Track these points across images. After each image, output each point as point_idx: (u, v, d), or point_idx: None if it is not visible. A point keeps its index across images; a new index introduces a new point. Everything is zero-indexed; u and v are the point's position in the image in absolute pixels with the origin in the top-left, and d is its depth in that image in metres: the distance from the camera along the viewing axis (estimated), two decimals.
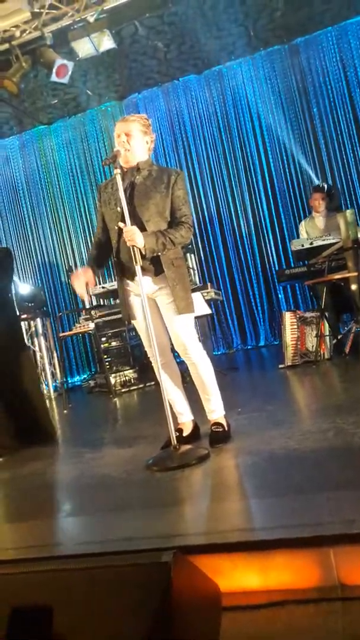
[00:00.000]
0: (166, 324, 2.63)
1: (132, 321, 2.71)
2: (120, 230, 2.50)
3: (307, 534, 1.45)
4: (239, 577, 1.45)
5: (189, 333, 2.60)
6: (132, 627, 0.95)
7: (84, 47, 5.06)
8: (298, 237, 5.93)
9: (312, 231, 5.62)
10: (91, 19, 5.05)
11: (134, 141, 2.55)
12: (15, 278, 7.78)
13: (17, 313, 4.03)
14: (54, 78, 5.16)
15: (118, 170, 2.45)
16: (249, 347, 7.19)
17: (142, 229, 2.47)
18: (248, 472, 2.15)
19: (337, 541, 1.41)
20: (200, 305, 4.65)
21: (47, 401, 6.21)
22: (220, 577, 1.45)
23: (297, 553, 1.44)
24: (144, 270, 2.51)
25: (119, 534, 1.71)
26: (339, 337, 4.75)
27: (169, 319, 2.59)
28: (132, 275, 2.57)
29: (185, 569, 1.04)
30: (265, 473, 2.09)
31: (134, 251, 2.43)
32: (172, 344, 2.72)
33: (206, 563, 1.47)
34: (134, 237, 2.40)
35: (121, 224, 2.47)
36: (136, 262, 2.43)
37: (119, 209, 2.51)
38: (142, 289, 2.47)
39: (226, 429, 2.66)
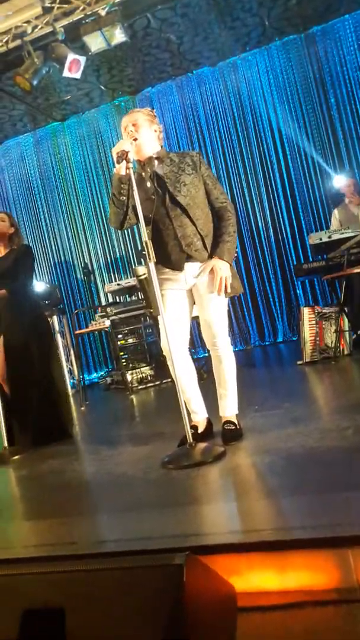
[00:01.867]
0: (202, 312, 2.60)
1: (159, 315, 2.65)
2: (165, 221, 2.50)
3: (325, 534, 1.41)
4: (256, 577, 1.42)
5: (224, 322, 2.60)
6: (144, 630, 0.93)
7: (96, 42, 5.03)
8: (321, 228, 5.85)
9: (345, 218, 5.52)
10: (103, 12, 5.02)
11: (142, 129, 2.55)
12: None
13: (42, 309, 4.02)
14: (66, 73, 5.14)
15: (130, 165, 2.42)
16: (266, 343, 7.12)
17: (185, 214, 2.49)
18: (265, 471, 2.11)
19: (356, 542, 1.37)
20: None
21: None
22: (237, 578, 1.43)
23: (315, 554, 1.41)
24: (191, 258, 2.54)
25: (135, 534, 1.69)
26: (359, 332, 4.67)
27: (208, 304, 2.55)
28: (175, 266, 2.56)
29: (199, 570, 1.02)
30: (282, 472, 2.05)
31: (147, 247, 2.41)
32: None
33: (222, 563, 1.45)
34: (227, 274, 2.52)
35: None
36: (150, 259, 2.41)
37: (153, 196, 2.51)
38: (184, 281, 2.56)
39: (238, 427, 2.62)
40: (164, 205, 2.51)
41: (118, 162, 2.42)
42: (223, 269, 2.52)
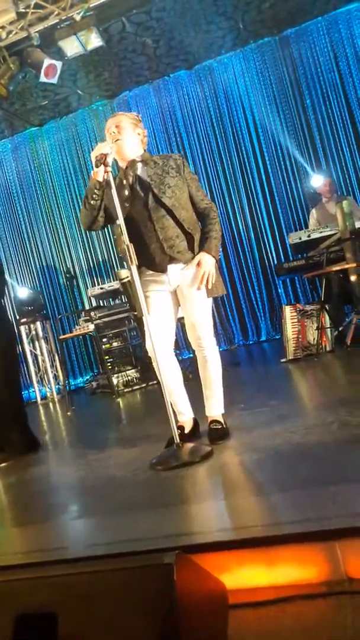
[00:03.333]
0: (187, 313, 2.61)
1: (143, 317, 2.65)
2: (147, 223, 2.52)
3: (312, 528, 1.44)
4: (246, 574, 1.44)
5: (209, 323, 2.62)
6: (137, 631, 0.94)
7: (71, 46, 5.03)
8: (300, 227, 5.91)
9: (323, 218, 5.59)
10: (77, 17, 5.02)
11: (125, 132, 2.56)
12: (13, 282, 7.79)
13: (12, 326, 3.94)
14: (42, 79, 5.13)
15: (109, 169, 2.42)
16: (250, 342, 7.17)
17: (170, 215, 2.51)
18: (253, 469, 2.13)
19: (343, 535, 1.39)
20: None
21: (50, 404, 6.23)
22: (227, 575, 1.44)
23: (303, 548, 1.43)
24: (174, 259, 2.56)
25: (126, 536, 1.69)
26: (340, 328, 4.73)
27: (193, 305, 2.57)
28: (158, 268, 2.57)
29: (189, 569, 1.03)
30: (270, 469, 2.07)
31: (129, 250, 2.41)
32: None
33: (212, 561, 1.46)
34: (212, 270, 2.54)
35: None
36: (132, 262, 2.42)
37: (126, 203, 2.52)
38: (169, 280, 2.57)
39: (224, 426, 2.64)
40: (146, 207, 2.52)
41: (96, 166, 2.41)
42: (209, 263, 2.54)
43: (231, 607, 1.32)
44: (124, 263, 6.17)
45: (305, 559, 1.42)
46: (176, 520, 1.75)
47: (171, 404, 2.48)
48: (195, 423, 2.77)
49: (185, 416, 2.73)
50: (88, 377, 7.50)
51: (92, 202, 2.48)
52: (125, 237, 2.43)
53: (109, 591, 1.00)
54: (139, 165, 2.57)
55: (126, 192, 2.53)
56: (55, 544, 1.79)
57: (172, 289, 2.63)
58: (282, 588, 1.39)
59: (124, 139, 2.54)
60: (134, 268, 2.42)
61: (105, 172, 2.41)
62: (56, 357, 6.84)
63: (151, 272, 2.60)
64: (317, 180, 5.82)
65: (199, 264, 2.55)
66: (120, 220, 2.42)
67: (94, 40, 4.99)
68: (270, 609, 1.33)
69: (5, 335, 3.56)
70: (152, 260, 2.57)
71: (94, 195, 2.47)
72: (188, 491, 2.06)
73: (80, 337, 7.08)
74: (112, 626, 0.96)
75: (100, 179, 2.43)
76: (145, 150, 2.65)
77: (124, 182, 2.55)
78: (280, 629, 1.25)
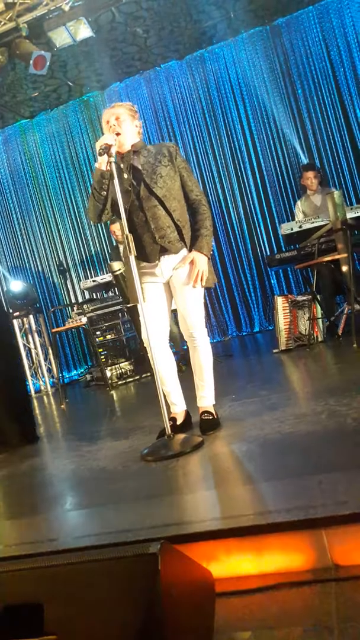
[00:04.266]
0: (179, 303, 2.63)
1: (138, 305, 2.62)
2: (138, 213, 2.52)
3: (299, 516, 1.45)
4: (234, 562, 1.46)
5: (200, 313, 2.63)
6: (123, 620, 0.95)
7: (61, 37, 4.98)
8: (293, 218, 5.91)
9: (309, 210, 5.59)
10: (66, 7, 4.96)
11: (125, 124, 2.57)
12: (6, 274, 7.76)
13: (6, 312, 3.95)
14: (32, 70, 5.09)
15: (112, 159, 2.43)
16: (243, 333, 7.19)
17: (161, 205, 2.52)
18: (242, 458, 2.15)
19: (329, 522, 1.41)
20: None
21: (44, 397, 6.24)
22: (215, 564, 1.46)
23: (290, 536, 1.45)
24: (166, 251, 2.57)
25: (115, 527, 1.71)
26: (331, 319, 4.75)
27: (185, 295, 2.58)
28: (149, 258, 2.58)
29: (174, 558, 1.04)
30: (259, 458, 2.09)
31: (127, 240, 2.42)
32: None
33: (201, 550, 1.48)
34: (205, 269, 2.56)
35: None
36: (130, 252, 2.42)
37: (129, 188, 2.53)
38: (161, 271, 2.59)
39: (215, 416, 2.66)
40: (138, 197, 2.53)
41: (100, 155, 2.42)
42: (202, 262, 2.56)
43: (218, 595, 1.34)
44: (115, 255, 6.16)
45: (292, 547, 1.44)
46: (165, 510, 1.77)
47: (164, 395, 2.49)
48: (187, 415, 2.78)
49: (178, 407, 2.74)
50: (82, 370, 7.51)
51: (102, 192, 2.50)
52: (125, 226, 2.44)
53: (95, 581, 1.01)
54: (133, 154, 2.58)
55: (125, 176, 2.55)
56: (46, 536, 1.80)
57: (165, 279, 2.65)
58: (270, 576, 1.41)
59: (124, 132, 2.55)
60: (132, 258, 2.42)
61: (109, 162, 2.41)
62: (49, 350, 6.83)
63: (145, 263, 2.61)
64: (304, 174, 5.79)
65: (192, 263, 2.56)
66: (122, 211, 2.42)
67: (84, 31, 4.94)
68: (257, 596, 1.35)
69: (3, 326, 3.58)
70: (143, 250, 2.58)
71: (103, 185, 2.48)
72: (178, 482, 2.08)
73: (74, 330, 7.07)
74: (97, 615, 0.97)
75: (104, 169, 2.44)
76: (140, 140, 2.65)
77: (121, 166, 2.56)
78: (266, 616, 1.27)
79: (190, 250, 2.60)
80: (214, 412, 2.67)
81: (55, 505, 2.21)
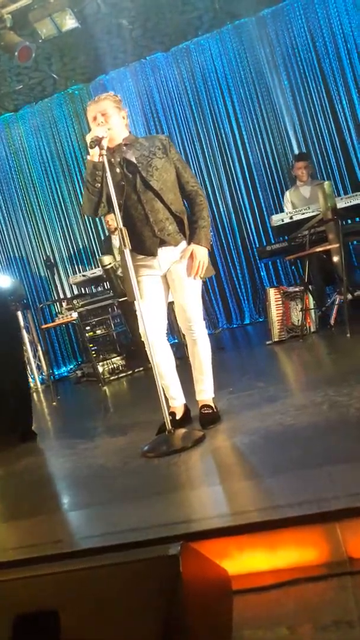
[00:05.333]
0: (176, 297, 2.61)
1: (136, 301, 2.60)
2: (137, 206, 2.49)
3: (312, 510, 1.43)
4: (247, 559, 1.43)
5: (198, 306, 2.61)
6: (143, 625, 0.91)
7: (46, 28, 4.89)
8: (281, 209, 5.89)
9: (298, 201, 5.58)
10: None
11: (112, 119, 2.53)
12: None
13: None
14: (16, 61, 4.98)
15: (104, 152, 2.38)
16: (234, 326, 7.18)
17: (158, 198, 2.49)
18: (246, 452, 2.12)
19: (342, 515, 1.39)
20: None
21: (35, 394, 6.17)
22: (228, 561, 1.43)
23: (303, 530, 1.42)
24: (164, 242, 2.54)
25: (122, 526, 1.67)
26: (323, 309, 4.75)
27: (183, 288, 2.56)
28: (148, 252, 2.55)
29: (194, 559, 1.01)
30: (263, 451, 2.07)
31: (122, 234, 2.38)
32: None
33: (212, 548, 1.45)
34: (205, 261, 2.55)
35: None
36: (125, 246, 2.38)
37: (122, 182, 2.49)
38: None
39: (215, 410, 2.64)
40: (135, 190, 2.49)
41: (91, 147, 2.38)
42: (201, 254, 2.54)
43: (234, 593, 1.31)
44: (107, 248, 6.09)
45: (305, 541, 1.42)
46: (172, 508, 1.74)
47: (163, 389, 2.46)
48: (187, 409, 2.75)
49: (177, 402, 2.71)
50: (72, 366, 7.44)
51: (96, 185, 2.46)
52: (119, 220, 2.40)
53: (113, 586, 0.97)
54: (125, 148, 2.53)
55: (117, 170, 2.51)
56: (48, 538, 1.76)
57: (162, 273, 2.61)
58: (284, 571, 1.39)
59: (113, 127, 2.51)
60: (127, 251, 2.38)
61: (100, 154, 2.37)
62: (39, 347, 6.75)
63: (142, 256, 2.57)
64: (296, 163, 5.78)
65: (191, 256, 2.54)
66: (115, 204, 2.38)
67: (69, 22, 4.85)
68: (273, 593, 1.33)
69: (6, 320, 3.52)
70: (143, 244, 2.54)
71: (96, 177, 2.44)
72: (182, 477, 2.05)
73: (63, 325, 6.99)
74: (117, 621, 0.93)
75: (97, 160, 2.40)
76: (130, 132, 2.62)
77: (112, 160, 2.51)
78: (284, 613, 1.24)
79: (189, 243, 2.57)
80: (213, 406, 2.65)
81: (55, 505, 2.17)
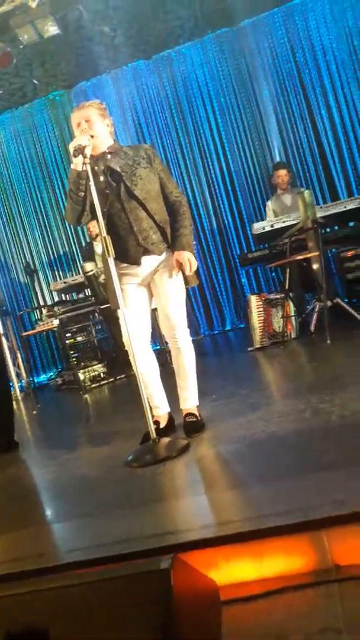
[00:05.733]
0: (160, 305, 2.61)
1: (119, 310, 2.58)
2: (120, 215, 2.49)
3: (297, 519, 1.44)
4: (234, 569, 1.43)
5: (182, 314, 2.61)
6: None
7: (27, 34, 4.87)
8: (262, 217, 5.95)
9: (279, 210, 5.63)
10: (33, 4, 4.86)
11: (96, 126, 2.52)
12: None
13: None
14: None
15: (87, 160, 2.37)
16: (216, 332, 7.20)
17: (142, 207, 2.49)
18: (231, 460, 2.13)
19: (328, 523, 1.40)
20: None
21: (14, 402, 6.08)
22: (215, 571, 1.43)
23: (289, 539, 1.43)
24: (148, 251, 2.54)
25: (108, 538, 1.66)
26: (303, 315, 4.80)
27: (167, 296, 2.56)
28: (132, 260, 2.54)
29: (184, 572, 1.01)
30: (248, 459, 2.07)
31: (105, 242, 2.37)
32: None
33: (199, 559, 1.45)
34: (191, 258, 2.55)
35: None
36: (109, 254, 2.37)
37: (106, 190, 2.49)
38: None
39: (199, 418, 2.64)
40: (118, 199, 2.49)
41: (74, 157, 2.37)
42: (186, 255, 2.55)
43: (223, 603, 1.31)
44: (89, 256, 6.06)
45: (292, 550, 1.43)
46: (157, 519, 1.73)
47: (147, 398, 2.45)
48: (171, 417, 2.75)
49: (161, 410, 2.71)
50: (52, 374, 7.36)
51: (79, 194, 2.45)
52: (102, 228, 2.39)
53: (103, 601, 0.96)
54: (109, 156, 2.53)
55: (101, 178, 2.50)
56: (31, 551, 1.73)
57: (146, 281, 2.61)
58: (271, 580, 1.39)
59: (97, 134, 2.50)
60: (111, 260, 2.38)
61: (84, 163, 2.36)
62: (18, 354, 6.67)
63: (125, 264, 2.56)
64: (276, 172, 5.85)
65: (177, 262, 2.55)
66: (98, 212, 2.37)
67: (51, 28, 4.84)
68: (260, 602, 1.33)
69: None
70: (127, 252, 2.54)
71: (80, 187, 2.43)
72: (167, 487, 2.04)
73: (43, 332, 6.92)
74: (108, 637, 0.92)
75: (80, 169, 2.39)
76: (114, 140, 2.61)
77: (96, 168, 2.50)
78: (272, 622, 1.25)
79: (172, 252, 2.58)
80: (197, 414, 2.65)
81: (39, 517, 2.14)
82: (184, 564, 1.02)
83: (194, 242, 2.81)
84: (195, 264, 2.58)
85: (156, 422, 2.62)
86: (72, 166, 2.43)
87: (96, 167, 2.53)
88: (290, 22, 6.88)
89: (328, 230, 4.95)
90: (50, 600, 0.97)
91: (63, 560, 1.61)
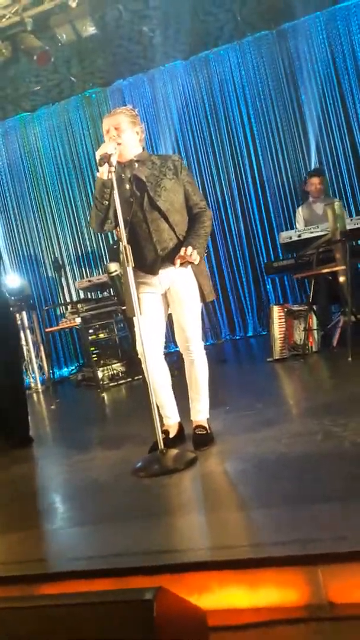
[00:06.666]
0: (177, 316, 2.60)
1: (135, 318, 2.55)
2: (142, 224, 2.49)
3: (295, 551, 1.43)
4: (227, 595, 1.43)
5: (197, 327, 2.61)
6: None
7: (66, 33, 4.92)
8: (292, 225, 5.88)
9: (310, 217, 5.56)
10: (73, 4, 4.90)
11: (125, 134, 2.53)
12: (7, 267, 7.67)
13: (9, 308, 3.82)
14: (35, 64, 5.01)
15: (113, 169, 2.39)
16: (237, 337, 7.17)
17: (164, 218, 2.49)
18: (236, 480, 2.12)
19: (325, 560, 1.39)
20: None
21: (34, 395, 6.19)
22: (208, 595, 1.43)
23: (285, 571, 1.42)
24: (166, 262, 2.53)
25: (107, 550, 1.68)
26: (326, 329, 4.74)
27: (183, 308, 2.56)
28: (150, 270, 2.55)
29: (169, 603, 1.01)
30: (253, 481, 2.06)
31: (125, 251, 2.38)
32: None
33: (194, 580, 1.45)
34: (195, 256, 2.47)
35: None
36: (128, 264, 2.39)
37: (131, 199, 2.50)
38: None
39: (209, 431, 2.64)
40: (141, 208, 2.50)
41: (100, 165, 2.39)
42: (190, 249, 2.45)
43: (211, 629, 1.31)
44: (114, 256, 6.10)
45: (287, 582, 1.42)
46: (159, 535, 1.74)
47: (157, 407, 2.46)
48: (181, 427, 2.75)
49: (171, 420, 2.72)
50: (73, 368, 7.45)
51: (104, 202, 2.47)
52: (123, 237, 2.41)
53: (85, 626, 0.97)
54: (136, 165, 2.54)
55: (127, 186, 2.51)
56: (32, 556, 1.76)
57: (162, 291, 2.62)
58: (263, 611, 1.38)
59: (125, 142, 2.51)
60: (129, 269, 2.39)
61: (110, 171, 2.38)
62: (41, 348, 6.77)
63: (142, 273, 2.57)
64: (310, 179, 5.77)
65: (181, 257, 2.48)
66: (120, 221, 2.39)
67: (89, 28, 4.88)
68: (251, 632, 1.33)
69: (6, 322, 3.51)
70: (145, 262, 2.55)
71: (104, 195, 2.45)
72: (171, 502, 2.06)
73: (66, 329, 7.01)
74: None
75: (106, 178, 2.41)
76: (144, 149, 2.62)
77: (122, 176, 2.52)
78: None
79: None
80: (207, 427, 2.65)
81: (45, 519, 2.18)
82: (170, 595, 1.03)
83: (210, 247, 2.77)
84: (197, 261, 2.49)
85: (165, 432, 2.63)
86: (98, 174, 2.45)
87: (122, 175, 2.54)
88: (332, 26, 6.76)
89: (359, 243, 4.88)
90: (34, 619, 0.98)
91: (62, 568, 1.64)
